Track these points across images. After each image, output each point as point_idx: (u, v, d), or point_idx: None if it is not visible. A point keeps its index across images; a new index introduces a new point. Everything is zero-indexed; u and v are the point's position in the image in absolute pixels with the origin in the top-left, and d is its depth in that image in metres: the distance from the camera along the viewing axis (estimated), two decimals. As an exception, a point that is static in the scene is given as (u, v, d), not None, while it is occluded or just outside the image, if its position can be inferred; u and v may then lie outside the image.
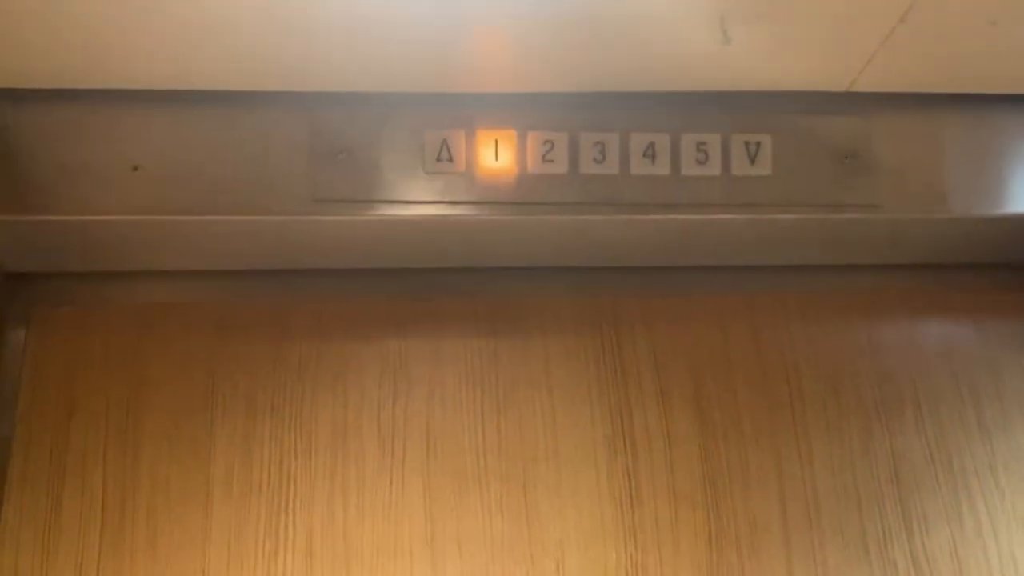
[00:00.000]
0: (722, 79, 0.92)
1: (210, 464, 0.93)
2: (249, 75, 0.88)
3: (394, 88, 0.91)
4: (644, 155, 0.92)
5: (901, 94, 0.94)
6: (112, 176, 0.88)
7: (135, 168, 0.88)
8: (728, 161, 0.93)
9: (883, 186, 0.94)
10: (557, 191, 0.92)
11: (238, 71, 0.87)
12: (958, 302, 1.07)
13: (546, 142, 0.92)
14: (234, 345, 0.98)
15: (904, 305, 1.06)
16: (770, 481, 0.97)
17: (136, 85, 0.88)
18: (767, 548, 0.95)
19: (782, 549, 0.95)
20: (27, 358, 0.96)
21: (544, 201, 0.92)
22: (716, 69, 0.89)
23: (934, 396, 1.02)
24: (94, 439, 0.93)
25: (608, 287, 1.04)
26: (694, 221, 0.94)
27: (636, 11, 0.79)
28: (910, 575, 0.95)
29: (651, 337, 1.02)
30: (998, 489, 0.98)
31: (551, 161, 0.92)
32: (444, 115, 0.92)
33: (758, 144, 0.93)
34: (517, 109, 0.92)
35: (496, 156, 0.92)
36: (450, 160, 0.91)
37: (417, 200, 0.91)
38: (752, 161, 0.93)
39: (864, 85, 0.92)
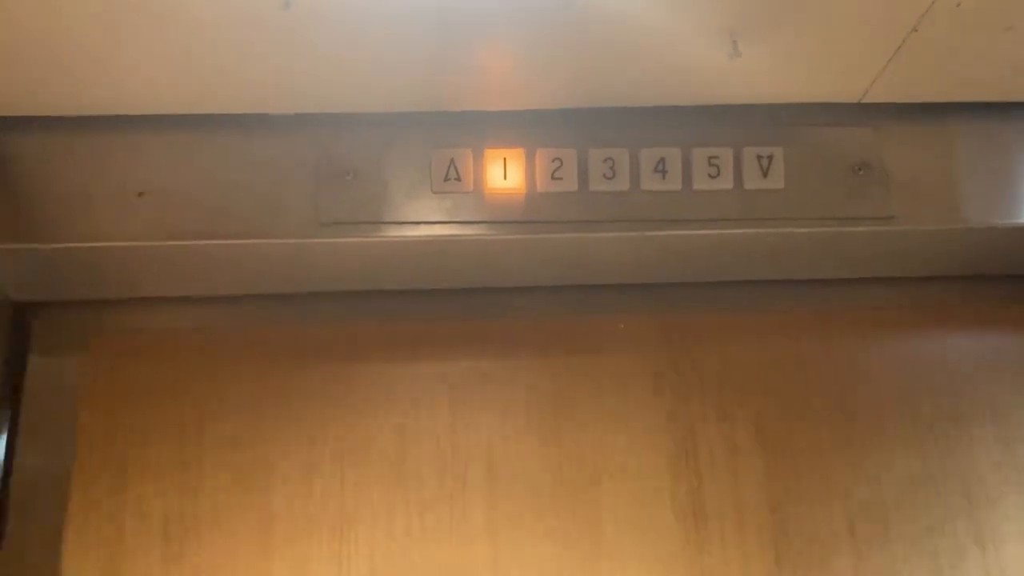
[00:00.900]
0: (733, 92, 0.91)
1: (269, 492, 0.92)
2: (253, 98, 0.87)
3: (400, 108, 0.90)
4: (655, 170, 0.91)
5: (913, 104, 0.93)
6: (117, 202, 0.87)
7: (140, 194, 0.87)
8: (740, 175, 0.92)
9: (897, 197, 0.92)
10: (567, 209, 0.90)
11: (241, 95, 0.86)
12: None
13: (555, 159, 0.91)
14: (284, 371, 0.97)
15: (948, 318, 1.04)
16: (837, 498, 0.95)
17: (140, 111, 0.87)
18: (836, 566, 0.93)
19: (851, 567, 0.93)
20: (82, 386, 0.96)
21: (554, 219, 0.90)
22: (726, 82, 0.88)
23: (1005, 410, 1.00)
24: (155, 466, 0.93)
25: (672, 303, 1.04)
26: (709, 236, 0.92)
27: (644, 25, 0.78)
28: None
29: (706, 356, 1.00)
30: (1071, 505, 0.97)
31: (560, 179, 0.91)
32: (451, 134, 0.91)
33: (770, 157, 0.92)
34: (525, 126, 0.92)
35: (505, 175, 0.91)
36: (458, 179, 0.90)
37: (426, 220, 0.90)
38: (764, 174, 0.92)
39: (876, 96, 0.91)
